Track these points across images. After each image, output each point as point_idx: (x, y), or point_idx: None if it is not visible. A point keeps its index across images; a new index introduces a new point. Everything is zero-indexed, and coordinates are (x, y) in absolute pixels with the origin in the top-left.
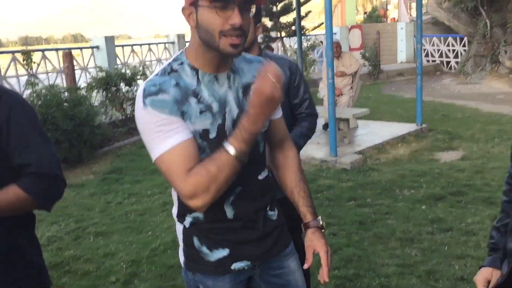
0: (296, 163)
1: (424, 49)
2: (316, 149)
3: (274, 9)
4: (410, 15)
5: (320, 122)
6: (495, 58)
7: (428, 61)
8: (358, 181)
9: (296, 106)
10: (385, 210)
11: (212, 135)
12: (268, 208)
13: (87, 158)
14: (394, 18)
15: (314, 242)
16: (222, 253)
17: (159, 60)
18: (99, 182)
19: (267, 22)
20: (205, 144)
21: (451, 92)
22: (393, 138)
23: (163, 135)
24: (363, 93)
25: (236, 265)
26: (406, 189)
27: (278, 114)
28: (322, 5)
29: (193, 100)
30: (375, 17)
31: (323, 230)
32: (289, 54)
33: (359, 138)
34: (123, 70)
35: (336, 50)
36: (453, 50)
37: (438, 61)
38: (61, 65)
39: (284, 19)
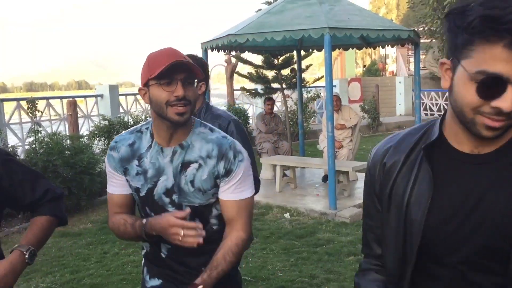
0: (232, 242)
1: (423, 103)
2: (315, 202)
3: (276, 61)
4: (408, 69)
5: (320, 173)
6: None
7: (426, 114)
8: (358, 235)
9: None
10: None
11: (142, 193)
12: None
13: (85, 206)
14: (392, 72)
15: None
16: (155, 282)
17: None
18: (97, 231)
19: (268, 74)
20: (137, 199)
21: None
22: None
23: (109, 181)
24: (363, 145)
25: None
26: None
27: (222, 195)
28: (322, 57)
29: (135, 162)
30: (374, 70)
31: None
32: (289, 105)
33: (359, 191)
34: (125, 119)
35: (336, 103)
36: None
37: (436, 115)
38: (65, 112)
39: (285, 71)
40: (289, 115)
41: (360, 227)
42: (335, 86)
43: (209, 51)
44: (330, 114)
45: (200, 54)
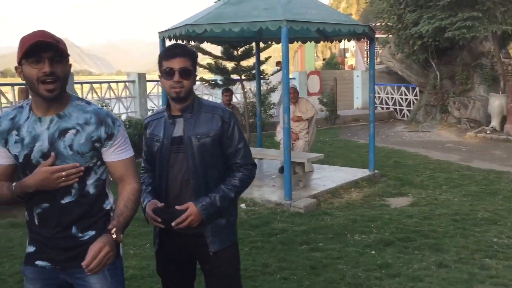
0: (128, 193)
1: (379, 97)
2: (271, 192)
3: (235, 53)
4: (367, 64)
5: (277, 165)
6: (444, 108)
7: (382, 108)
8: (311, 225)
9: (231, 156)
10: (336, 255)
11: (20, 159)
12: (74, 228)
13: None
14: (351, 66)
15: (94, 243)
16: (31, 249)
17: (119, 98)
18: None
19: (228, 64)
20: (20, 166)
21: (403, 139)
22: (346, 182)
23: None
24: (320, 137)
25: (39, 262)
26: (357, 234)
27: (111, 157)
28: (278, 50)
29: (14, 132)
30: (333, 64)
31: (114, 238)
32: (248, 97)
33: (314, 182)
34: None
35: (293, 95)
36: (406, 99)
37: (391, 109)
38: (17, 100)
39: (244, 63)
40: (248, 106)
41: (314, 217)
42: (294, 78)
43: (167, 41)
44: (286, 106)
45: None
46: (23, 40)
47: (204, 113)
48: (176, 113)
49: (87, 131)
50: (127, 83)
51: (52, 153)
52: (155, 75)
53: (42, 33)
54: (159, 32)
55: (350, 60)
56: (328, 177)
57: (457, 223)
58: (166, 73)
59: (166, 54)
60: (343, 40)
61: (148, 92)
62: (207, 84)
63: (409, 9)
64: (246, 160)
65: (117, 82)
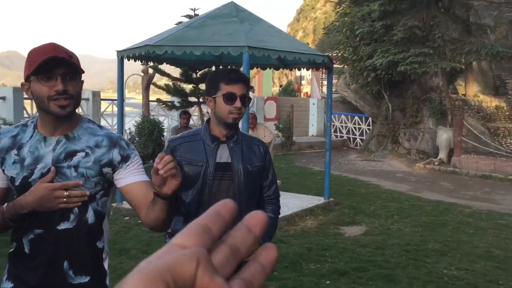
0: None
1: (333, 125)
2: None
3: (194, 75)
4: (322, 92)
5: None
6: (395, 139)
7: (336, 136)
8: None
9: (265, 188)
10: (291, 285)
11: (17, 183)
12: (66, 263)
13: None
14: (307, 93)
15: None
16: (7, 285)
17: None
18: None
19: (186, 87)
20: (14, 190)
21: (356, 168)
22: (302, 210)
23: None
24: (276, 163)
25: None
26: (313, 263)
27: (129, 179)
28: None
29: (14, 152)
30: (289, 90)
31: None
32: (206, 120)
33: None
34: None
35: (251, 121)
36: (359, 128)
37: (345, 137)
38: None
39: (203, 86)
40: None
41: None
42: (251, 104)
43: (125, 60)
44: (245, 132)
45: (115, 63)
46: (33, 54)
47: (246, 142)
48: (221, 137)
49: (96, 153)
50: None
51: (52, 167)
52: (109, 93)
53: (53, 47)
54: (117, 51)
55: (305, 88)
56: (284, 204)
57: (409, 253)
58: (227, 98)
59: (228, 77)
60: (315, 69)
61: (102, 110)
62: (163, 105)
63: (364, 42)
64: (277, 194)
65: None
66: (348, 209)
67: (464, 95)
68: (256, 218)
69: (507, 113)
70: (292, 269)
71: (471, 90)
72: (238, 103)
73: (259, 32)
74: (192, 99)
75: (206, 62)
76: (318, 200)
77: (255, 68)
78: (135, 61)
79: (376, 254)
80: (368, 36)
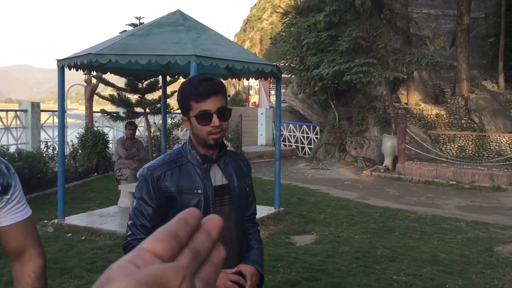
0: (34, 274)
1: (282, 134)
2: None
3: (140, 85)
4: (270, 101)
5: None
6: (342, 147)
7: (285, 145)
8: None
9: (248, 205)
10: None
11: None
12: None
13: None
14: (255, 103)
15: None
16: None
17: (7, 128)
18: None
19: (132, 97)
20: None
21: (305, 177)
22: None
23: None
24: None
25: None
26: (265, 274)
27: (10, 220)
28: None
29: None
30: (237, 100)
31: None
32: (153, 131)
33: None
34: None
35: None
36: (307, 137)
37: (294, 146)
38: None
39: (149, 96)
40: (153, 141)
41: None
42: None
43: (66, 70)
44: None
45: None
46: (196, 94)
47: (232, 159)
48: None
49: None
50: (18, 112)
51: None
52: (50, 104)
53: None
54: (57, 60)
55: (253, 98)
56: None
57: (359, 260)
58: (201, 118)
59: (196, 93)
60: (263, 79)
61: (42, 122)
62: (108, 116)
63: (310, 52)
64: (255, 211)
65: (6, 110)
66: (299, 218)
67: (407, 103)
68: (213, 222)
69: (446, 120)
70: None
71: (412, 99)
72: (215, 121)
73: (206, 41)
74: (139, 109)
75: (151, 71)
76: (268, 210)
77: None
78: (77, 70)
79: (327, 262)
80: (314, 46)
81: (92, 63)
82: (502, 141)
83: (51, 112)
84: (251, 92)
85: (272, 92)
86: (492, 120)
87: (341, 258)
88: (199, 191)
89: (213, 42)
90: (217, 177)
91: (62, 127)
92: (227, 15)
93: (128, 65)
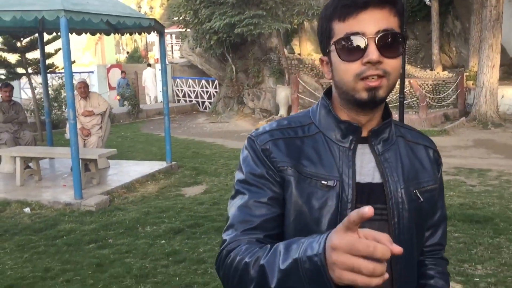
0: None
1: (181, 90)
2: (61, 193)
3: (19, 44)
4: (173, 58)
5: (69, 163)
6: (240, 100)
7: (185, 101)
8: (102, 222)
9: (431, 231)
10: (125, 249)
11: None
12: None
13: None
14: (157, 59)
15: None
16: None
17: None
18: None
19: (10, 57)
20: None
21: (203, 131)
22: (142, 176)
23: None
24: (121, 132)
25: None
26: (149, 225)
27: None
28: (79, 42)
29: None
30: (136, 57)
31: None
32: (37, 92)
33: (109, 178)
34: None
35: (83, 90)
36: (207, 92)
37: (194, 101)
38: None
39: (31, 55)
40: (40, 103)
41: (105, 214)
42: (92, 72)
43: None
44: (70, 101)
45: None
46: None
47: (405, 141)
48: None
49: None
50: None
51: None
52: None
53: None
54: None
55: (156, 54)
56: (125, 172)
57: None
58: (344, 47)
59: (342, 4)
60: (145, 33)
61: None
62: None
63: (203, 5)
64: (445, 240)
65: None
66: (190, 171)
67: (300, 54)
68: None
69: None
70: (127, 235)
71: (304, 49)
72: (371, 54)
73: None
74: (20, 70)
75: (27, 28)
76: (160, 165)
77: (88, 34)
78: None
79: (212, 209)
80: None
81: None
82: None
83: None
84: (154, 48)
85: (175, 48)
86: None
87: (225, 204)
88: (329, 183)
89: None
90: (365, 167)
91: None
92: None
93: None
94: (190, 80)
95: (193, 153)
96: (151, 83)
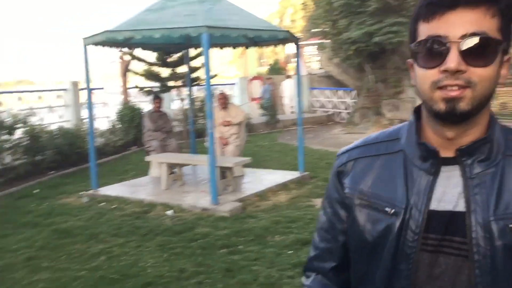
0: None
1: (318, 100)
2: (199, 198)
3: (170, 59)
4: (310, 68)
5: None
6: (378, 110)
7: (322, 112)
8: (234, 228)
9: None
10: (253, 257)
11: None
12: None
13: None
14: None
15: None
16: None
17: (50, 107)
18: None
19: (164, 71)
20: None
21: (339, 141)
22: (276, 185)
23: None
24: (259, 142)
25: None
26: (278, 235)
27: None
28: (231, 55)
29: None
30: (277, 69)
31: None
32: (185, 103)
33: (244, 186)
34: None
35: (223, 101)
36: (343, 102)
37: (331, 112)
38: None
39: (180, 70)
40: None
41: (238, 220)
42: (234, 84)
43: (92, 47)
44: (209, 112)
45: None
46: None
47: (508, 160)
48: (443, 152)
49: None
50: (59, 92)
51: None
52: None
53: None
54: (84, 39)
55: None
56: (259, 180)
57: None
58: (424, 52)
59: (427, 2)
60: (285, 45)
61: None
62: (141, 91)
63: (342, 15)
64: None
65: (47, 90)
66: (323, 182)
67: None
68: None
69: None
70: (257, 242)
71: None
72: (451, 60)
73: (219, 11)
74: (171, 83)
75: (176, 45)
76: (292, 175)
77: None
78: (103, 47)
79: None
80: (345, 9)
81: (111, 40)
82: None
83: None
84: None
85: (313, 59)
86: None
87: None
88: (389, 210)
89: (226, 12)
90: (449, 192)
91: (90, 105)
92: None
93: (149, 40)
94: (327, 91)
95: (326, 164)
96: (290, 94)
